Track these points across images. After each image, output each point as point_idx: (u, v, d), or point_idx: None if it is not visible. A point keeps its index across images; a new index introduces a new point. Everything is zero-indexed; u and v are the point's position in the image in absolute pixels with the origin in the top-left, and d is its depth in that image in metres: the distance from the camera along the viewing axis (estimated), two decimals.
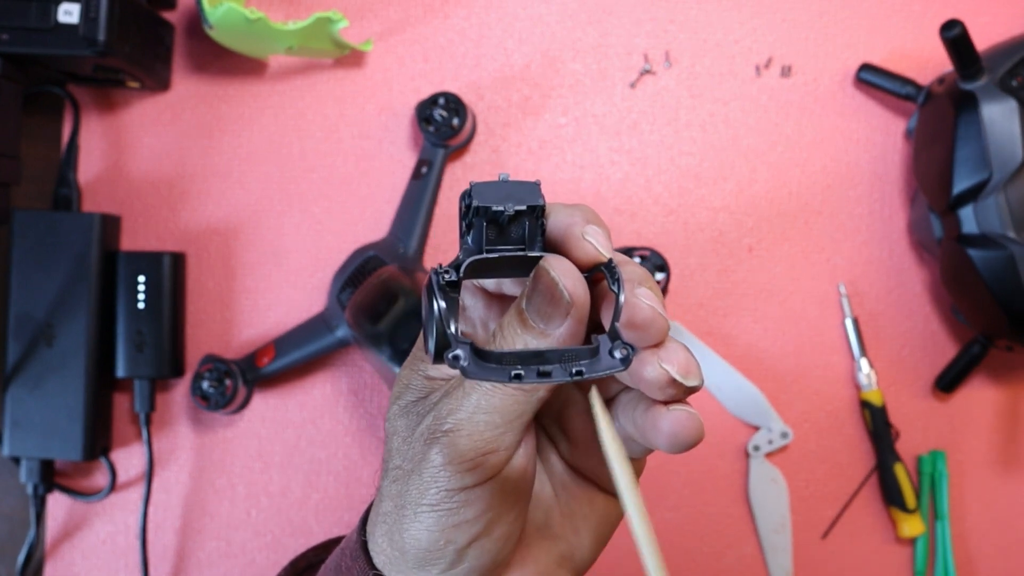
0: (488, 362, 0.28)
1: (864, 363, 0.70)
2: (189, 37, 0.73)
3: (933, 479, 0.70)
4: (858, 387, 0.70)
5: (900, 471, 0.68)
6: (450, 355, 0.28)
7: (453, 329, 0.29)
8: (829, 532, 0.70)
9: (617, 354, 0.29)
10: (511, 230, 0.31)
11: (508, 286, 0.34)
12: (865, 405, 0.70)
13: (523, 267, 0.31)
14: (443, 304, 0.29)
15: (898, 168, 0.72)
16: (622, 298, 0.29)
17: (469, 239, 0.31)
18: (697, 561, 0.70)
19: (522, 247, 0.31)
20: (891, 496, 0.69)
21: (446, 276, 0.30)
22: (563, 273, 0.30)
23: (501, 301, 0.34)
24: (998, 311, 0.62)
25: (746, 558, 0.70)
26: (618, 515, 0.36)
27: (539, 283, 0.30)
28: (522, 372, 0.28)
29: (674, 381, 0.29)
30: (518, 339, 0.31)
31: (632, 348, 0.29)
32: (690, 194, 0.71)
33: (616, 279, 0.29)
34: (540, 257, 0.31)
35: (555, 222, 0.31)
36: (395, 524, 0.33)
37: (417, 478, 0.32)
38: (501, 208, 0.30)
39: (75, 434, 0.67)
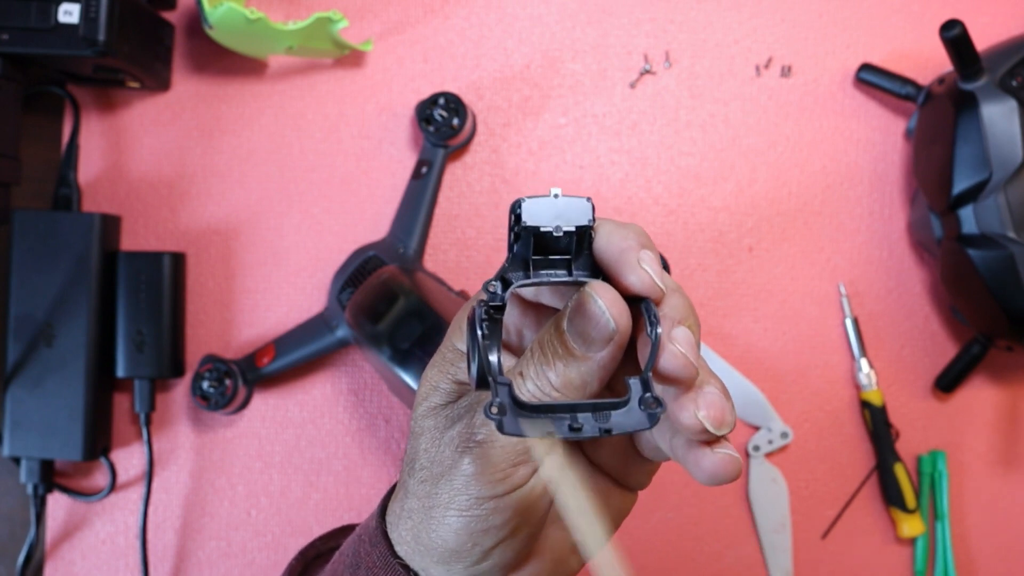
0: (524, 410, 0.29)
1: (864, 363, 0.70)
2: (189, 37, 0.73)
3: (933, 479, 0.70)
4: (858, 387, 0.70)
5: (900, 471, 0.68)
6: (489, 407, 0.28)
7: (495, 359, 0.30)
8: (829, 532, 0.70)
9: (647, 409, 0.29)
10: (559, 242, 0.31)
11: (545, 295, 0.34)
12: (865, 405, 0.70)
13: (567, 285, 0.32)
14: (485, 332, 0.30)
15: (898, 168, 0.72)
16: (657, 345, 0.30)
17: (516, 248, 0.32)
18: (697, 561, 0.70)
19: (568, 258, 0.32)
20: (891, 496, 0.69)
21: (493, 293, 0.31)
22: (610, 303, 0.30)
23: (537, 309, 0.35)
24: (998, 311, 0.62)
25: (746, 558, 0.70)
26: (630, 506, 0.37)
27: (583, 308, 0.30)
28: (554, 429, 0.29)
29: (707, 430, 0.30)
30: (558, 359, 0.31)
31: (662, 404, 0.29)
32: (690, 194, 0.71)
33: (654, 324, 0.30)
34: (585, 281, 0.31)
35: (608, 243, 0.31)
36: (422, 523, 0.33)
37: (447, 484, 0.32)
38: (550, 229, 0.30)
39: (75, 434, 0.67)
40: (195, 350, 0.71)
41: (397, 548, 0.35)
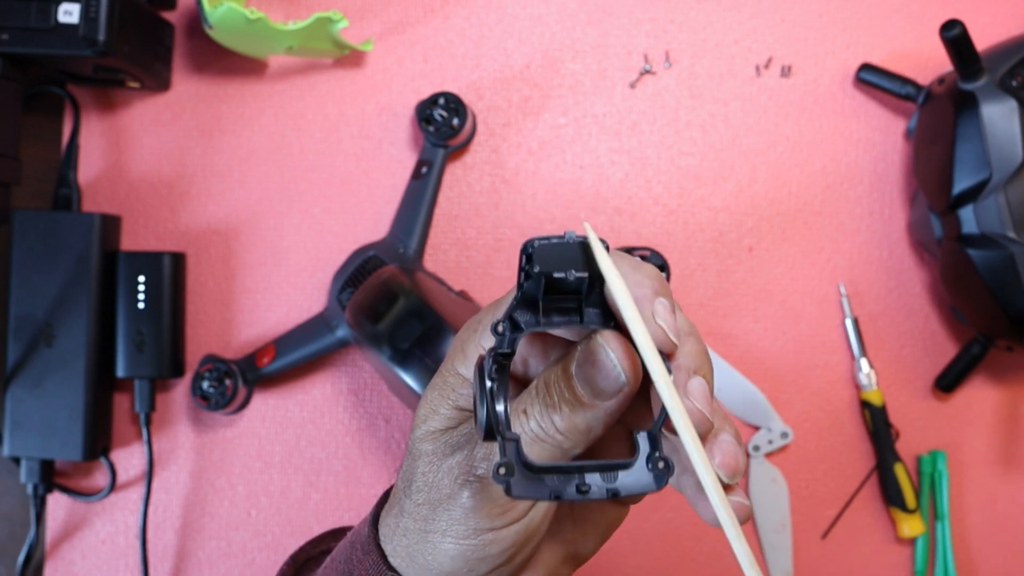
0: (531, 471, 0.29)
1: (864, 363, 0.70)
2: (189, 37, 0.73)
3: (933, 479, 0.70)
4: (858, 387, 0.70)
5: (900, 471, 0.68)
6: (498, 468, 0.28)
7: (503, 410, 0.29)
8: (829, 532, 0.70)
9: (655, 470, 0.29)
10: (571, 284, 0.30)
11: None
12: (865, 405, 0.70)
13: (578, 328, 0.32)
14: (493, 386, 0.29)
15: (898, 168, 0.72)
16: (667, 405, 0.29)
17: (526, 287, 0.31)
18: (697, 561, 0.70)
19: (578, 296, 0.31)
20: (891, 496, 0.69)
21: (502, 337, 0.30)
22: (621, 355, 0.30)
23: (544, 338, 0.34)
24: (998, 311, 0.62)
25: None
26: (622, 518, 0.37)
27: (593, 358, 0.30)
28: (562, 491, 0.29)
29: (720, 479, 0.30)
30: (564, 403, 0.31)
31: (670, 466, 0.29)
32: (690, 194, 0.71)
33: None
34: (596, 328, 0.30)
35: (620, 287, 0.30)
36: (418, 544, 0.33)
37: (445, 512, 0.32)
38: (562, 275, 0.29)
39: (75, 434, 0.67)
40: (195, 350, 0.71)
41: (391, 560, 0.35)
